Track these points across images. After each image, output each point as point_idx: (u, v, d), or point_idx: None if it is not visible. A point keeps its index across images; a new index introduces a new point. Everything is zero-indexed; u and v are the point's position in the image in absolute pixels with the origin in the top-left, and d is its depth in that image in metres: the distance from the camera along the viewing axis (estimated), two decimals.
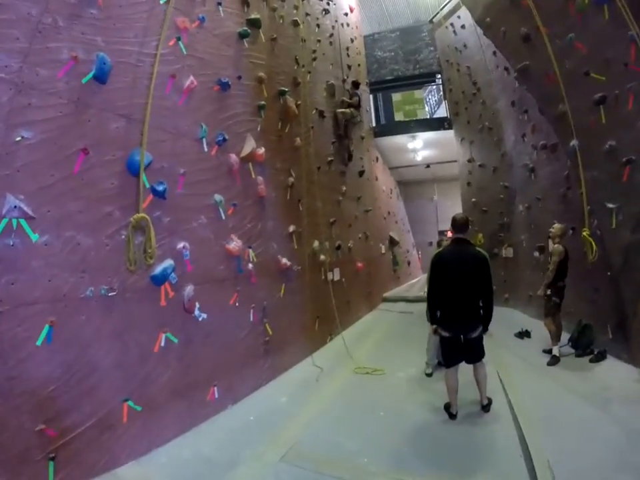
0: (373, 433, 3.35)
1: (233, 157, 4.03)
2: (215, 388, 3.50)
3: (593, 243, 4.15)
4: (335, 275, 6.62)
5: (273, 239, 4.72)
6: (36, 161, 2.34)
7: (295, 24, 5.95)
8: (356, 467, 2.86)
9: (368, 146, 10.30)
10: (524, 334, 5.77)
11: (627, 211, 3.92)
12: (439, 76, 12.08)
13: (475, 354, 3.48)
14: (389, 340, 6.60)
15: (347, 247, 7.49)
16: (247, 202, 4.25)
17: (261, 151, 4.46)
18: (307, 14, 6.71)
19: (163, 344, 3.01)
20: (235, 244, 3.90)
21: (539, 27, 4.56)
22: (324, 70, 7.41)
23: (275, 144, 4.98)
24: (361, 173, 9.01)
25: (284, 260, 4.79)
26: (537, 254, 6.36)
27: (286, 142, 5.31)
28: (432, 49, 11.95)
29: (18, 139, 2.25)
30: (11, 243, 2.18)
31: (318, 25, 7.32)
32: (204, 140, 3.65)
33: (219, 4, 4.04)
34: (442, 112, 12.90)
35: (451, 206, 13.81)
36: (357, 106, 8.30)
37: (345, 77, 8.55)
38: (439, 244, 5.10)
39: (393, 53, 12.40)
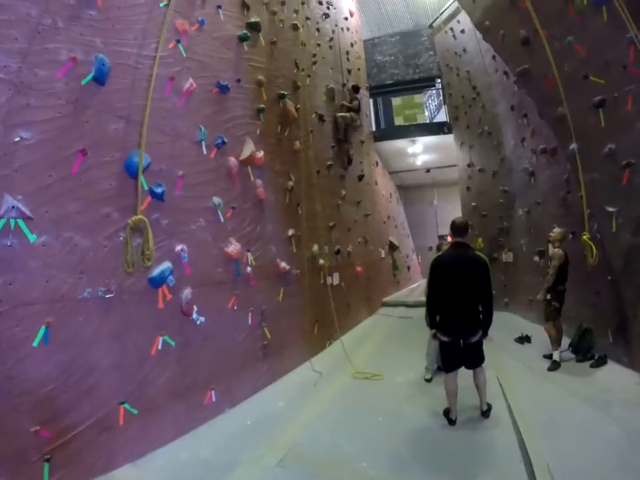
0: (372, 437, 3.32)
1: (232, 160, 4.02)
2: (213, 391, 3.47)
3: (593, 247, 4.14)
4: (334, 279, 6.60)
5: (272, 242, 4.71)
6: (34, 162, 2.33)
7: (295, 28, 5.97)
8: (354, 471, 2.83)
9: (368, 150, 10.32)
10: (524, 339, 5.74)
11: (627, 214, 3.91)
12: (439, 80, 12.15)
13: (474, 359, 3.45)
14: (388, 344, 6.57)
15: (347, 251, 7.47)
16: (245, 205, 4.25)
17: (260, 154, 4.46)
18: (307, 18, 6.74)
19: (160, 347, 2.99)
20: (233, 247, 3.89)
21: (537, 30, 4.57)
22: (324, 74, 7.44)
23: (274, 147, 4.98)
24: (361, 177, 9.01)
25: (283, 264, 4.78)
26: (536, 258, 6.34)
27: (285, 145, 5.31)
28: (432, 53, 12.03)
29: (16, 139, 2.25)
30: (9, 244, 2.18)
31: (318, 29, 7.36)
32: (203, 142, 3.65)
33: (219, 7, 4.06)
34: (442, 116, 12.95)
35: (450, 210, 13.79)
36: (357, 110, 8.33)
37: (345, 81, 8.58)
38: (438, 248, 5.07)
39: (392, 57, 12.49)
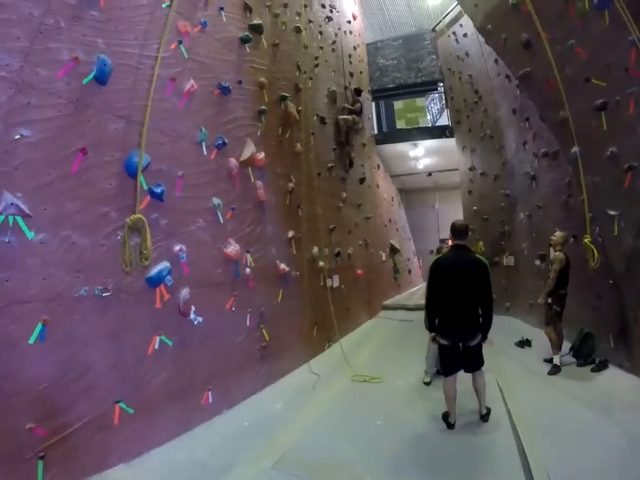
0: (370, 440, 3.29)
1: (233, 161, 4.03)
2: (210, 392, 3.46)
3: (595, 250, 4.12)
4: (334, 281, 6.59)
5: (272, 243, 4.70)
6: (34, 160, 2.34)
7: (297, 30, 5.99)
8: (352, 475, 2.81)
9: (369, 153, 10.32)
10: (525, 343, 5.71)
11: (629, 218, 3.88)
12: (441, 84, 12.17)
13: (474, 362, 3.43)
14: (388, 348, 6.55)
15: (347, 254, 7.46)
16: (245, 206, 4.24)
17: (261, 155, 4.47)
18: (310, 21, 6.76)
19: (157, 346, 2.98)
20: (232, 248, 3.88)
21: (539, 33, 4.57)
22: (326, 76, 7.45)
23: (275, 149, 4.98)
24: (362, 180, 9.01)
25: (282, 265, 4.77)
26: (538, 262, 6.30)
27: (286, 147, 5.32)
28: (434, 57, 12.06)
29: (17, 137, 2.26)
30: (7, 240, 2.17)
31: (320, 32, 7.38)
32: (203, 143, 3.66)
33: (221, 9, 4.07)
34: (444, 120, 12.96)
35: (452, 214, 13.72)
36: (359, 112, 8.34)
37: (347, 84, 8.60)
38: (438, 251, 5.06)
39: (395, 61, 12.52)
